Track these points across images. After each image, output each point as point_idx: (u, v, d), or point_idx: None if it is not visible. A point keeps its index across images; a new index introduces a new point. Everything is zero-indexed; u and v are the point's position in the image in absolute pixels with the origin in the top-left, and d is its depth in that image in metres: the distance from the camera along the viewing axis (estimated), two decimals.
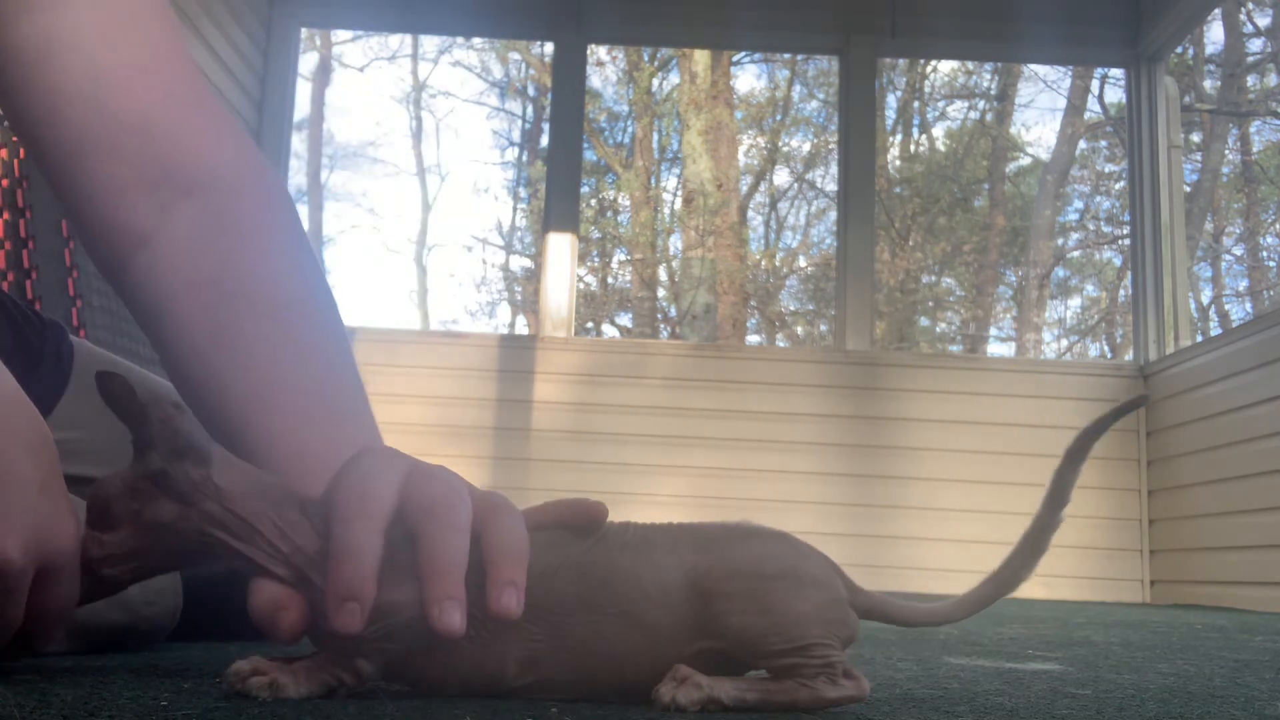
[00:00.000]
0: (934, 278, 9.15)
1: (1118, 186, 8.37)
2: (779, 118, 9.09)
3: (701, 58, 8.62)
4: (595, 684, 0.62)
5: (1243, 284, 8.25)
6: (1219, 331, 7.04)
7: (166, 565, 0.61)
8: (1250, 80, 8.16)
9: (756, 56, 8.66)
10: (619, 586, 0.62)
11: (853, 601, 0.66)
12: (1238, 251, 8.38)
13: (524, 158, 9.28)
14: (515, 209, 9.41)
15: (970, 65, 8.60)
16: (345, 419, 0.69)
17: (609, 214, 9.20)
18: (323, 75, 8.76)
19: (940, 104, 9.27)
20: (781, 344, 8.91)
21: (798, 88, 9.18)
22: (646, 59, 8.86)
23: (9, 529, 0.52)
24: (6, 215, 1.95)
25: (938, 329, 9.20)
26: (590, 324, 8.74)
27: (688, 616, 0.61)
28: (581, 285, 8.53)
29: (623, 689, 0.63)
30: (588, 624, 0.61)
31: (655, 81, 9.20)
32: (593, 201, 8.79)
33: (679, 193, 9.04)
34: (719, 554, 0.63)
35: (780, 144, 9.13)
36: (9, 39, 0.68)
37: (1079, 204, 9.32)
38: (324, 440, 0.66)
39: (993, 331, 9.01)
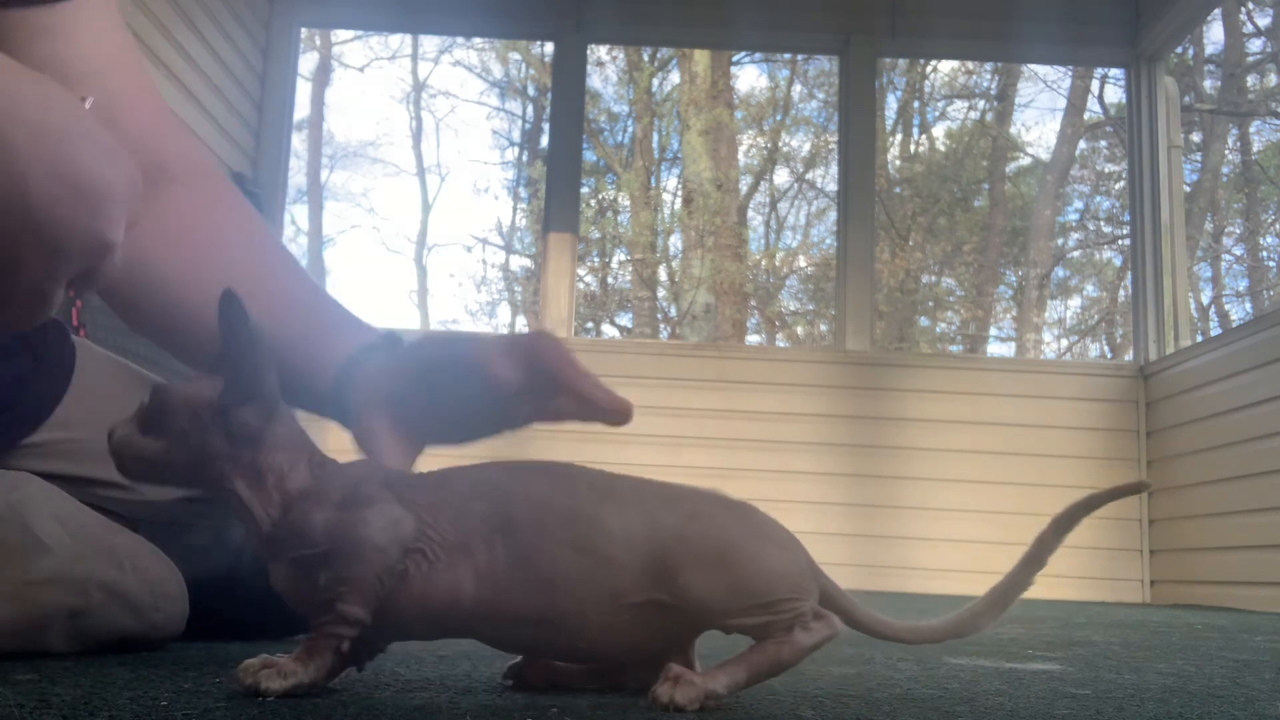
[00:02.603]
0: (934, 278, 9.15)
1: (1118, 186, 8.36)
2: (779, 118, 9.08)
3: (701, 58, 8.62)
4: (553, 620, 0.63)
5: (1243, 284, 8.25)
6: (1219, 331, 7.04)
7: (175, 484, 0.64)
8: (1250, 80, 8.16)
9: (756, 56, 8.66)
10: (584, 525, 0.62)
11: (815, 577, 0.67)
12: (1238, 251, 8.38)
13: (524, 158, 9.28)
14: (515, 209, 9.41)
15: (970, 65, 8.60)
16: (336, 322, 0.82)
17: (609, 214, 9.20)
18: (323, 75, 8.75)
19: (940, 104, 9.26)
20: (781, 344, 8.91)
21: (798, 88, 9.18)
22: (646, 59, 8.86)
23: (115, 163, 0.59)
24: None
25: (938, 329, 9.20)
26: (590, 324, 8.74)
27: (647, 569, 0.62)
28: (581, 285, 8.53)
29: (578, 630, 0.63)
30: (549, 555, 0.62)
31: (655, 81, 9.20)
32: (593, 201, 8.78)
33: (679, 193, 9.04)
34: (685, 514, 0.64)
35: (780, 144, 9.12)
36: (28, 60, 0.76)
37: (1079, 204, 9.32)
38: (326, 335, 0.81)
39: (993, 331, 9.01)
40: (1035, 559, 0.75)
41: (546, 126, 5.04)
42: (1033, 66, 8.00)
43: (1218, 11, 6.33)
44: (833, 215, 7.91)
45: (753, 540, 0.64)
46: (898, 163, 9.00)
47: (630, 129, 9.09)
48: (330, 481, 0.63)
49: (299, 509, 0.61)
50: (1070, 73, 8.21)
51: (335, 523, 0.61)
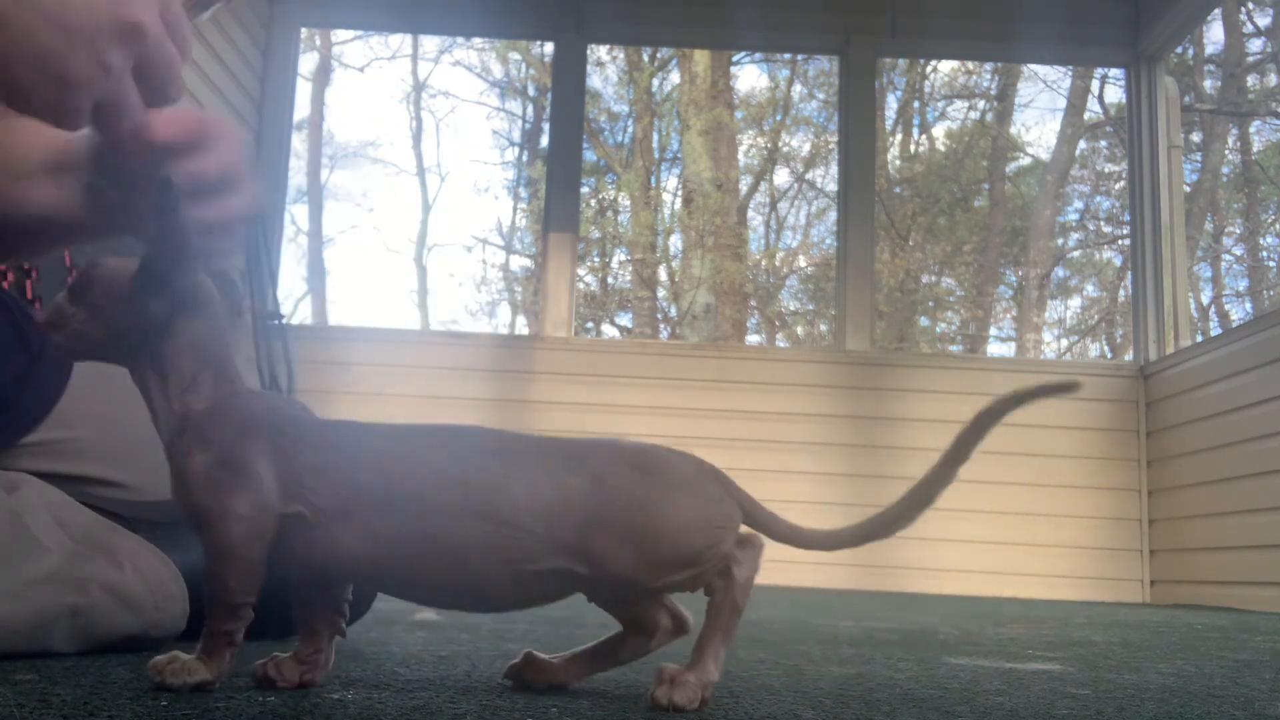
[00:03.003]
0: (934, 278, 9.14)
1: (1118, 186, 8.36)
2: (779, 118, 9.08)
3: (701, 58, 8.62)
4: (453, 583, 0.63)
5: (1243, 284, 8.25)
6: (1219, 331, 7.03)
7: (97, 358, 0.65)
8: (1250, 80, 8.16)
9: (757, 56, 8.66)
10: (485, 492, 0.62)
11: (745, 508, 0.67)
12: (1238, 251, 8.38)
13: (524, 158, 9.27)
14: (515, 209, 9.40)
15: (970, 65, 8.60)
16: None
17: (609, 214, 9.19)
18: (323, 75, 8.75)
19: (940, 104, 9.26)
20: (781, 344, 8.90)
21: (798, 88, 9.18)
22: (646, 59, 8.86)
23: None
24: None
25: (938, 329, 9.19)
26: (590, 324, 8.74)
27: (556, 539, 0.62)
28: (581, 285, 8.53)
29: (480, 592, 0.63)
30: (447, 524, 0.62)
31: (655, 81, 9.19)
32: (593, 201, 8.78)
33: (679, 193, 9.04)
34: (590, 478, 0.63)
35: (780, 144, 9.12)
36: None
37: (1079, 204, 9.31)
38: None
39: (993, 331, 9.00)
40: (955, 456, 0.73)
41: (546, 126, 5.04)
42: (1033, 66, 7.99)
43: (1218, 11, 6.33)
44: (833, 215, 7.91)
45: (661, 499, 0.63)
46: (898, 163, 8.99)
47: (630, 129, 9.09)
48: (224, 415, 0.63)
49: (188, 438, 0.62)
50: (1070, 73, 8.21)
51: (208, 484, 0.61)
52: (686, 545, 0.63)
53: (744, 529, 0.67)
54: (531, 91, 9.28)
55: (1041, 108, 10.88)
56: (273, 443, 0.62)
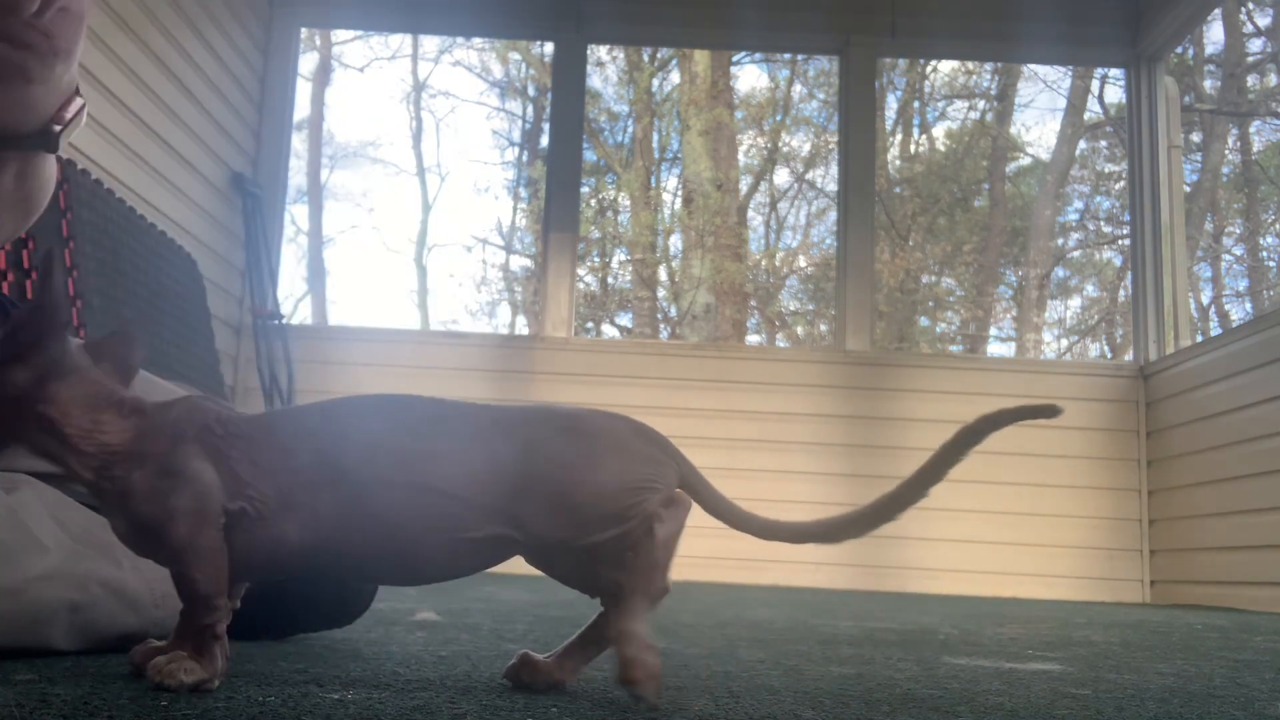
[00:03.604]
0: (934, 278, 9.14)
1: (1118, 186, 8.36)
2: (779, 118, 9.08)
3: (701, 58, 8.62)
4: (392, 556, 0.63)
5: (1243, 284, 8.25)
6: (1219, 331, 7.03)
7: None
8: (1250, 80, 8.16)
9: (757, 56, 8.65)
10: (419, 461, 0.63)
11: (681, 471, 0.69)
12: (1238, 251, 8.37)
13: (524, 158, 9.27)
14: (515, 209, 9.39)
15: (970, 65, 8.59)
16: None
17: (609, 214, 9.19)
18: (323, 75, 8.74)
19: (940, 104, 9.26)
20: (781, 344, 8.90)
21: (798, 88, 9.17)
22: (646, 59, 8.86)
23: None
24: None
25: (938, 329, 9.19)
26: (590, 324, 8.74)
27: (489, 505, 0.63)
28: (581, 285, 8.53)
29: (419, 563, 0.64)
30: (383, 496, 0.62)
31: (655, 81, 9.19)
32: (593, 201, 8.78)
33: (679, 193, 9.03)
34: (522, 444, 0.64)
35: (780, 144, 9.12)
36: None
37: (1079, 204, 9.31)
38: None
39: (993, 331, 9.00)
40: (929, 476, 0.74)
41: (546, 126, 5.03)
42: (1033, 66, 7.99)
43: (1218, 11, 6.32)
44: (833, 215, 7.90)
45: (588, 462, 0.64)
46: (898, 163, 8.99)
47: (630, 129, 9.08)
48: (151, 434, 0.63)
49: (122, 468, 0.62)
50: (1070, 73, 8.20)
51: (153, 494, 0.61)
52: (611, 505, 0.64)
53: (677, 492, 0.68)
54: (531, 91, 9.28)
55: (1041, 108, 10.87)
56: (204, 444, 0.62)
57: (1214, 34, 7.68)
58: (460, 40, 8.75)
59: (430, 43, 9.00)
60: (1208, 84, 8.18)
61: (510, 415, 0.65)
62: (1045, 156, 8.89)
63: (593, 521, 0.63)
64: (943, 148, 9.20)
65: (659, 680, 0.62)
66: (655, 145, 9.19)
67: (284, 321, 4.14)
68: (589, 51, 5.01)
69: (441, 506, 0.62)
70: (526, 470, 0.63)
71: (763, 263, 9.17)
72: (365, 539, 0.62)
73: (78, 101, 0.85)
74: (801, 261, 9.13)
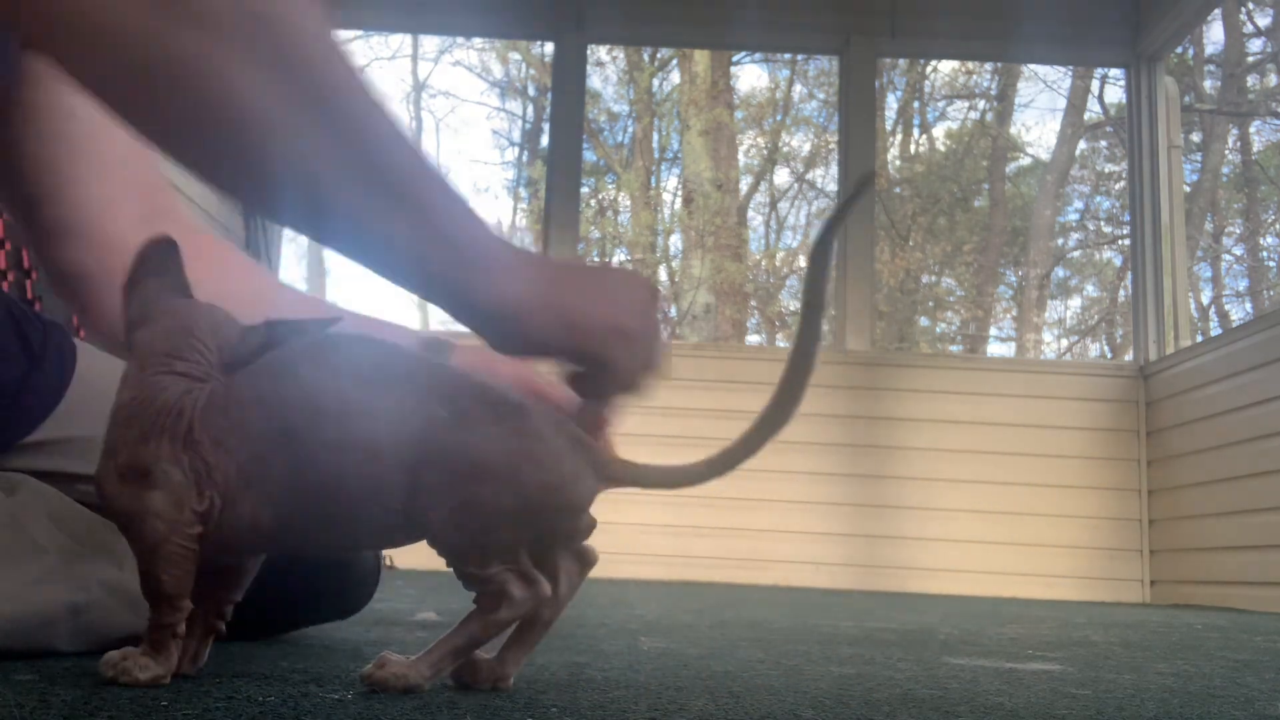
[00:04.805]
0: (934, 278, 9.15)
1: (1118, 186, 8.36)
2: (779, 118, 9.09)
3: (701, 58, 8.62)
4: (331, 523, 0.62)
5: (1243, 284, 8.25)
6: (1219, 331, 7.03)
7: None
8: (1250, 80, 8.16)
9: (757, 56, 8.66)
10: (353, 420, 0.61)
11: (606, 474, 0.66)
12: (1238, 251, 8.38)
13: (524, 158, 9.28)
14: (515, 209, 9.40)
15: (970, 65, 8.60)
16: None
17: (609, 214, 9.20)
18: None
19: (940, 104, 9.26)
20: (781, 344, 8.91)
21: (798, 88, 9.18)
22: (646, 59, 8.86)
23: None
24: (6, 215, 1.96)
25: (938, 329, 9.20)
26: None
27: (403, 479, 0.61)
28: None
29: (357, 530, 0.63)
30: (320, 459, 0.61)
31: (655, 81, 9.20)
32: (593, 201, 8.78)
33: (679, 193, 9.04)
34: (452, 418, 0.61)
35: (780, 144, 9.12)
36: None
37: (1079, 204, 9.32)
38: None
39: (993, 331, 9.01)
40: (813, 305, 0.67)
41: (546, 126, 5.04)
42: (1033, 66, 7.99)
43: (1218, 11, 6.32)
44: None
45: (506, 472, 0.61)
46: (898, 163, 8.99)
47: (630, 129, 9.09)
48: (126, 421, 0.63)
49: (105, 439, 0.63)
50: (1070, 73, 8.21)
51: (123, 490, 0.61)
52: (497, 546, 0.62)
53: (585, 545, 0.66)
54: (531, 91, 9.28)
55: (1041, 108, 10.89)
56: (176, 437, 0.61)
57: (1214, 34, 7.68)
58: (460, 40, 8.76)
59: (430, 43, 9.01)
60: (1208, 84, 8.18)
61: (453, 382, 0.63)
62: (1045, 156, 8.89)
63: (471, 555, 0.62)
64: (943, 148, 9.20)
65: (396, 682, 0.61)
66: (655, 145, 9.20)
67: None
68: (589, 51, 5.02)
69: (367, 466, 0.61)
70: (435, 458, 0.61)
71: (763, 263, 9.18)
72: (308, 507, 0.62)
73: None
74: (801, 261, 9.13)
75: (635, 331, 0.68)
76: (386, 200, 0.59)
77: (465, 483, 0.60)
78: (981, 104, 9.24)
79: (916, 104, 9.13)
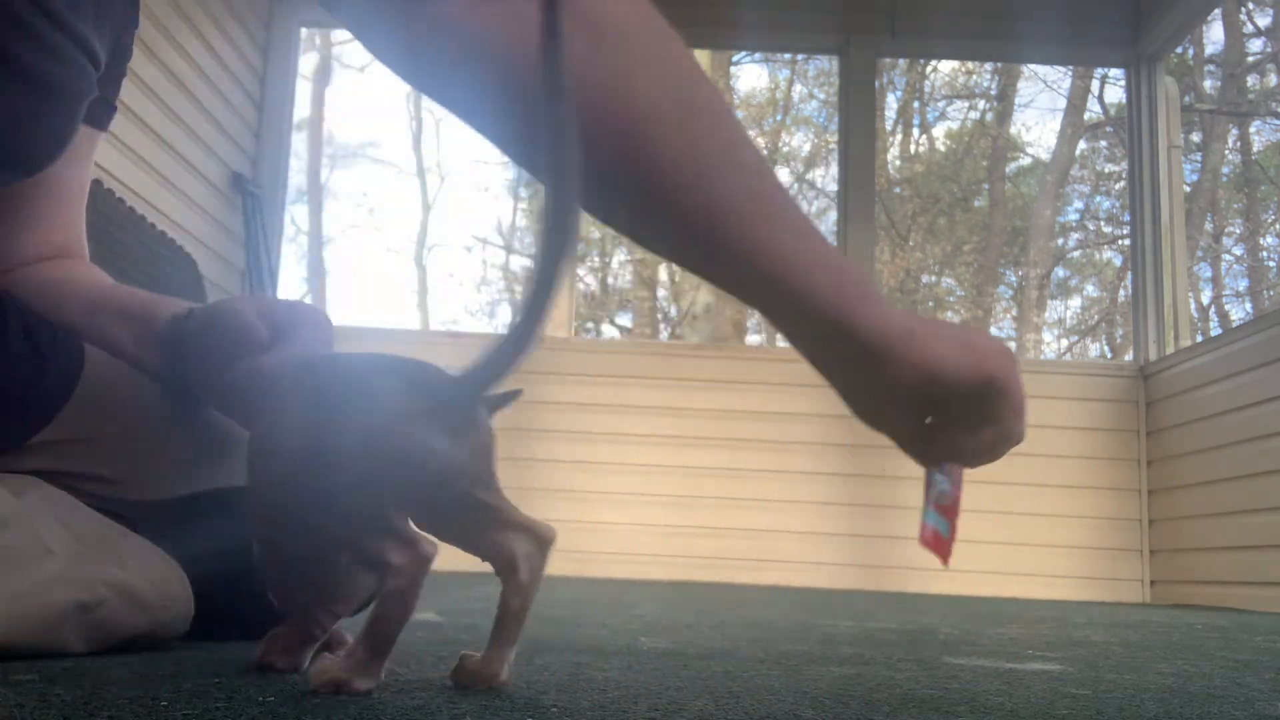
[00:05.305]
0: (934, 278, 9.14)
1: (1118, 186, 8.36)
2: (779, 118, 9.08)
3: (701, 57, 8.62)
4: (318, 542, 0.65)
5: (1243, 284, 8.25)
6: (1219, 331, 7.03)
7: None
8: (1250, 80, 8.16)
9: (757, 56, 8.65)
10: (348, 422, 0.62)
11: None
12: (1238, 251, 8.38)
13: None
14: (515, 209, 9.40)
15: (970, 65, 8.59)
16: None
17: None
18: (323, 75, 8.74)
19: (940, 104, 9.26)
20: (781, 344, 8.90)
21: (798, 88, 9.18)
22: None
23: None
24: None
25: None
26: (590, 324, 8.74)
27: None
28: (581, 285, 8.52)
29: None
30: (319, 476, 0.62)
31: None
32: None
33: None
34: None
35: (780, 144, 9.12)
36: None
37: (1079, 204, 9.31)
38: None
39: (993, 331, 9.00)
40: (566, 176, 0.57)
41: None
42: (1033, 66, 7.99)
43: (1218, 11, 6.32)
44: (833, 215, 7.90)
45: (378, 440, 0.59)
46: (898, 163, 8.99)
47: None
48: None
49: None
50: (1070, 73, 8.20)
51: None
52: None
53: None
54: None
55: (1041, 108, 10.87)
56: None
57: (1214, 34, 7.68)
58: None
59: None
60: (1208, 84, 8.18)
61: (361, 376, 0.63)
62: (1045, 156, 8.89)
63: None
64: (943, 148, 9.20)
65: (337, 681, 0.61)
66: None
67: None
68: None
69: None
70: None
71: None
72: (301, 528, 0.65)
73: None
74: None
75: (1017, 380, 0.61)
76: (790, 235, 0.58)
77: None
78: (981, 104, 9.24)
79: (916, 104, 9.13)
